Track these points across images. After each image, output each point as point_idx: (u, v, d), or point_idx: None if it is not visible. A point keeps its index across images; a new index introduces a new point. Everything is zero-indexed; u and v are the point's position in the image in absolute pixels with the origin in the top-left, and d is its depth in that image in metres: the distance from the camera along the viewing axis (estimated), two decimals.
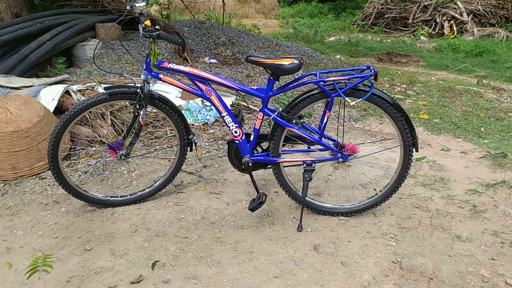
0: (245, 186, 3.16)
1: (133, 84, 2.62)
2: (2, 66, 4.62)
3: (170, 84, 2.62)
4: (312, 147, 2.72)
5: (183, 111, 4.41)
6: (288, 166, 2.81)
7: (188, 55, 6.44)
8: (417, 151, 2.59)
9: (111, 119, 4.08)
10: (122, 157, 2.74)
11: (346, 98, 2.43)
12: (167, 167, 3.20)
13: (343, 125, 2.75)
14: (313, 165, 2.64)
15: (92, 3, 7.13)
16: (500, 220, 2.72)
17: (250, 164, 2.66)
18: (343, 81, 2.44)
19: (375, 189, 3.03)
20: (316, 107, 4.72)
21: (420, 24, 12.35)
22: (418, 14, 12.58)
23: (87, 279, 2.19)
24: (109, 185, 3.18)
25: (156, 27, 2.52)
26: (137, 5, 2.49)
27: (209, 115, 4.38)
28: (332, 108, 2.51)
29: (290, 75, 5.33)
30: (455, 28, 11.38)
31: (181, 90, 4.21)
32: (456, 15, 11.65)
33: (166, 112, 2.72)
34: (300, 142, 2.67)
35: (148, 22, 2.49)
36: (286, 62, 2.42)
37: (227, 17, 10.96)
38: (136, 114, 2.64)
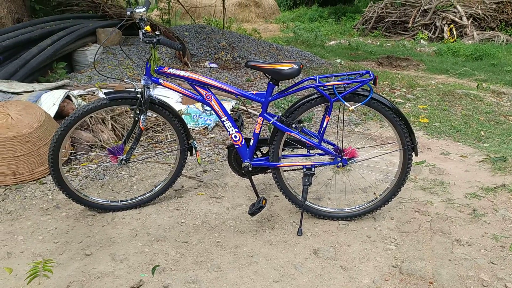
0: (245, 190, 3.17)
1: (133, 89, 2.63)
2: (3, 71, 4.64)
3: (170, 89, 2.64)
4: (311, 152, 2.73)
5: (183, 116, 4.43)
6: (288, 170, 2.82)
7: (189, 59, 6.46)
8: (416, 155, 2.60)
9: (111, 124, 4.10)
10: (123, 162, 2.74)
11: (345, 103, 2.44)
12: (167, 171, 3.21)
13: (343, 130, 2.75)
14: (313, 169, 2.65)
15: (93, 8, 7.17)
16: (500, 224, 2.72)
17: (250, 169, 2.67)
18: (342, 86, 2.46)
19: (374, 193, 3.04)
20: (316, 111, 4.72)
21: (420, 28, 12.37)
22: (418, 18, 12.61)
23: (87, 284, 2.19)
24: (110, 189, 3.19)
25: (156, 32, 2.54)
26: (137, 11, 2.51)
27: (210, 119, 4.39)
28: (332, 113, 2.52)
29: (289, 80, 5.34)
30: (455, 32, 11.40)
31: (181, 95, 4.22)
32: (456, 19, 11.67)
33: (166, 117, 2.73)
34: (300, 146, 2.68)
35: (148, 28, 2.50)
36: (285, 67, 2.43)
37: (227, 21, 11.01)
38: (136, 119, 2.65)
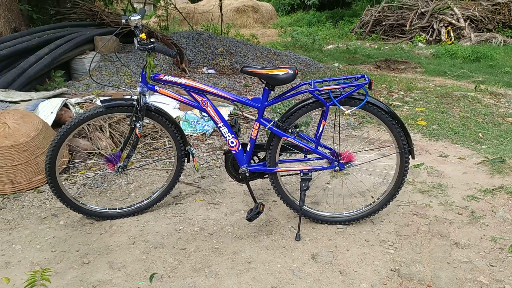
0: (243, 196, 3.17)
1: (129, 97, 2.64)
2: (0, 80, 4.65)
3: (166, 96, 2.64)
4: (308, 156, 2.73)
5: (181, 122, 4.43)
6: (285, 175, 2.81)
7: (186, 66, 6.48)
8: (413, 158, 2.60)
9: (109, 132, 4.10)
10: (120, 169, 2.74)
11: (341, 107, 2.44)
12: (165, 178, 3.21)
13: (339, 134, 2.75)
14: (310, 174, 2.64)
15: (90, 16, 7.20)
16: (498, 226, 2.71)
17: (247, 174, 2.66)
18: (337, 90, 2.46)
19: (372, 197, 3.03)
20: (314, 116, 4.73)
21: (417, 30, 12.42)
22: (415, 21, 12.66)
23: None
24: (108, 197, 3.19)
25: (152, 39, 2.54)
26: (132, 18, 2.51)
27: (207, 125, 4.39)
28: (330, 117, 2.52)
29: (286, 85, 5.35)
30: (452, 34, 11.43)
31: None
32: (453, 21, 11.71)
33: (163, 124, 2.73)
34: (296, 151, 2.68)
35: (143, 35, 2.51)
36: (280, 72, 2.44)
37: (225, 27, 11.04)
38: (133, 126, 2.65)
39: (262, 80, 2.50)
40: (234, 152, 2.66)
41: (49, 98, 4.29)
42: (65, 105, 4.16)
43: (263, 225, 2.78)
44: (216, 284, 2.23)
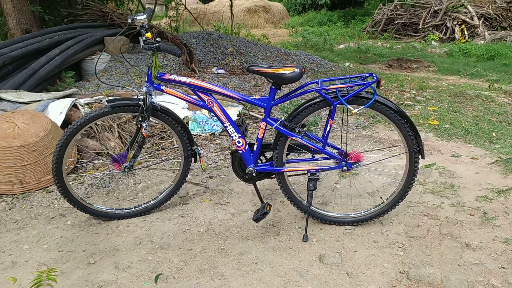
0: (251, 196, 3.14)
1: (136, 96, 2.63)
2: (12, 81, 4.69)
3: (172, 95, 2.62)
4: (316, 156, 2.69)
5: (190, 122, 4.42)
6: (292, 175, 2.78)
7: (196, 66, 6.47)
8: (423, 158, 2.55)
9: (118, 132, 4.11)
10: (126, 170, 2.73)
11: (348, 106, 2.40)
12: (172, 178, 3.20)
13: (347, 133, 2.71)
14: (317, 174, 2.61)
15: (101, 17, 7.23)
16: (511, 227, 2.65)
17: (254, 174, 2.64)
18: (345, 89, 2.42)
19: (381, 198, 2.98)
20: (323, 115, 4.68)
21: (430, 29, 12.28)
22: (428, 19, 12.52)
23: None
24: (115, 197, 3.18)
25: (157, 39, 2.53)
26: (138, 18, 2.51)
27: (216, 125, 4.38)
28: (339, 116, 2.48)
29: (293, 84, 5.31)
30: (466, 32, 11.28)
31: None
32: (467, 19, 11.55)
33: (169, 123, 2.72)
34: (304, 151, 2.65)
35: (149, 35, 2.50)
36: (287, 71, 2.40)
37: (236, 27, 11.03)
38: (139, 126, 2.64)
39: (269, 79, 2.48)
40: (240, 151, 2.63)
41: (59, 98, 4.31)
42: (74, 106, 4.18)
43: (270, 226, 2.75)
44: (221, 285, 2.20)
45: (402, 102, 5.57)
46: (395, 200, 2.66)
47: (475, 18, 11.51)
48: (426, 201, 3.00)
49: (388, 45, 11.54)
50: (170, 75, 2.59)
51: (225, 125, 2.62)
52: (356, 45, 11.42)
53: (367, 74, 2.44)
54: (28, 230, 2.78)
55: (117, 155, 2.75)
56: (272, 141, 2.65)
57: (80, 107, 4.21)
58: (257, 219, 2.55)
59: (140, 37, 2.51)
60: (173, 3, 10.35)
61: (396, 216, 2.82)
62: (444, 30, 11.93)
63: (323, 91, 2.43)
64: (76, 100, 4.20)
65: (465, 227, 2.67)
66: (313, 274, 2.27)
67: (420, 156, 2.54)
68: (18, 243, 2.63)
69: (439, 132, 4.42)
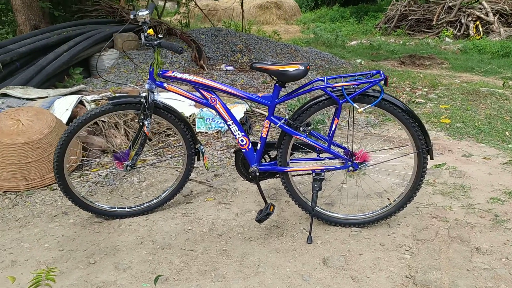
0: (256, 195, 3.08)
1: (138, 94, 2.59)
2: (19, 77, 4.69)
3: (175, 93, 2.57)
4: (321, 155, 2.62)
5: (196, 119, 4.37)
6: (297, 175, 2.72)
7: (205, 63, 6.43)
8: (431, 158, 2.46)
9: (124, 129, 4.07)
10: (128, 168, 2.69)
11: (354, 104, 2.33)
12: (175, 177, 3.16)
13: (353, 132, 2.63)
14: (323, 174, 2.54)
15: (110, 14, 7.22)
16: None
17: (257, 174, 2.58)
18: (351, 87, 2.35)
19: (388, 199, 2.90)
20: (331, 113, 4.60)
21: (444, 25, 12.07)
22: (442, 15, 12.31)
23: None
24: (119, 195, 3.15)
25: (160, 35, 2.48)
26: (140, 14, 2.46)
27: (223, 123, 4.32)
28: (348, 114, 2.41)
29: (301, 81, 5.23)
30: (480, 29, 11.06)
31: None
32: (482, 16, 11.33)
33: (172, 121, 2.67)
34: (309, 150, 2.58)
35: (151, 31, 2.45)
36: (291, 68, 2.34)
37: (247, 24, 10.96)
38: (141, 124, 2.60)
39: (272, 76, 2.41)
40: (244, 150, 2.58)
41: (65, 95, 4.29)
42: (81, 102, 4.16)
43: (274, 227, 2.69)
44: None
45: (413, 99, 5.46)
46: (402, 202, 2.58)
47: (490, 14, 11.28)
48: (435, 203, 2.92)
49: (401, 42, 11.37)
50: (173, 72, 2.54)
51: (228, 123, 2.56)
52: (369, 41, 11.27)
53: (374, 72, 2.37)
54: (30, 228, 2.76)
55: (119, 153, 2.71)
56: (275, 139, 2.59)
57: (86, 104, 4.19)
58: (260, 220, 2.49)
59: (141, 33, 2.46)
60: (184, 0, 10.31)
61: (404, 217, 2.74)
62: (458, 27, 11.71)
63: (329, 89, 2.36)
64: (82, 97, 4.18)
65: (475, 230, 2.58)
66: (316, 278, 2.21)
67: (429, 157, 2.46)
68: (19, 241, 2.61)
69: (451, 131, 4.31)
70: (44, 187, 3.28)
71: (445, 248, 2.41)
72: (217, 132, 4.28)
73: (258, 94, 2.51)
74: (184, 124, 2.70)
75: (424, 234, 2.56)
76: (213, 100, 2.53)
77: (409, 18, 13.15)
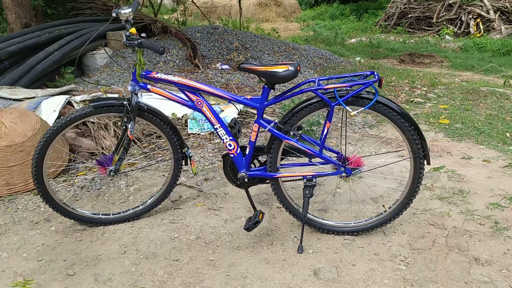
0: (246, 201, 2.92)
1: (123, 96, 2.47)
2: (8, 77, 4.57)
3: (159, 95, 2.45)
4: (313, 160, 2.50)
5: (189, 120, 4.26)
6: (288, 181, 2.60)
7: (200, 61, 6.30)
8: (428, 164, 2.34)
9: (114, 130, 3.96)
10: (112, 173, 2.57)
11: (347, 107, 2.21)
12: (162, 182, 3.04)
13: (345, 137, 2.51)
14: (314, 180, 2.42)
15: (104, 11, 7.09)
16: None
17: (246, 180, 2.46)
18: (344, 89, 2.23)
19: (383, 206, 2.78)
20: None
21: (444, 23, 11.92)
22: (442, 13, 12.16)
23: None
24: (105, 200, 3.03)
25: (142, 35, 2.36)
26: (122, 12, 2.34)
27: None
28: (346, 117, 2.28)
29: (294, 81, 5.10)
30: (481, 27, 10.92)
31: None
32: (483, 13, 11.18)
33: (157, 124, 2.55)
34: (300, 155, 2.46)
35: (133, 30, 2.33)
36: (280, 69, 2.22)
37: (245, 21, 10.83)
38: (124, 127, 2.48)
39: (261, 77, 2.29)
40: (232, 155, 2.46)
41: (53, 95, 4.17)
42: (69, 103, 4.05)
43: (264, 234, 2.57)
44: None
45: (412, 99, 5.34)
46: (398, 209, 2.46)
47: (491, 12, 11.13)
48: (433, 208, 2.80)
49: (401, 40, 11.22)
50: (157, 73, 2.42)
51: (215, 126, 2.44)
52: (368, 39, 11.13)
53: (368, 73, 2.24)
54: (9, 236, 2.64)
55: (102, 158, 2.60)
56: (265, 144, 2.47)
57: (75, 104, 4.07)
58: (248, 228, 2.38)
59: (123, 32, 2.34)
60: None
61: (400, 225, 2.62)
62: (458, 24, 11.57)
63: (321, 91, 2.24)
64: (71, 97, 4.07)
65: (474, 239, 2.46)
66: None
67: (425, 162, 2.34)
68: None
69: (450, 132, 4.19)
70: (28, 191, 3.16)
71: (443, 259, 2.29)
72: (209, 133, 4.16)
73: (246, 96, 2.39)
74: (170, 127, 2.58)
75: (421, 243, 2.44)
76: (199, 103, 2.41)
77: (409, 15, 13.00)
